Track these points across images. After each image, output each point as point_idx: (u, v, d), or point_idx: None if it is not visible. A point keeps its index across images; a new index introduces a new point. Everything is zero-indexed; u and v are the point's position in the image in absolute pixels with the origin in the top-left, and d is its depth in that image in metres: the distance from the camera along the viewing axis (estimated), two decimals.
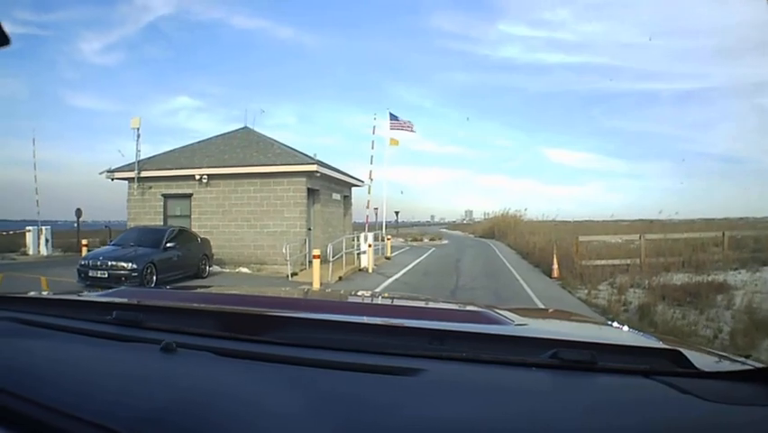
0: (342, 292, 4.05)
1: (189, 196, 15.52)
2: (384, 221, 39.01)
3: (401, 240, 32.71)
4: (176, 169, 15.38)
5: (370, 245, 16.03)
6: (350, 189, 21.89)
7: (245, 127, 18.23)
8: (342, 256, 15.55)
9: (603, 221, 28.31)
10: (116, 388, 0.68)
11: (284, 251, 13.37)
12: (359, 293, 2.94)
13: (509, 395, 0.68)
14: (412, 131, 34.60)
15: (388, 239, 22.63)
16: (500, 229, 35.59)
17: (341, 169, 19.87)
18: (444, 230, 58.65)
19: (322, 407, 0.62)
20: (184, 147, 17.01)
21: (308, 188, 15.42)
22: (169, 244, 11.78)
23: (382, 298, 1.99)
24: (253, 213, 15.12)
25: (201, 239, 13.50)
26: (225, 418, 0.59)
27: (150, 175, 15.56)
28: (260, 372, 0.74)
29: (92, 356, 0.83)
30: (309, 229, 15.35)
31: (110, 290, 1.48)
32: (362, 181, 22.93)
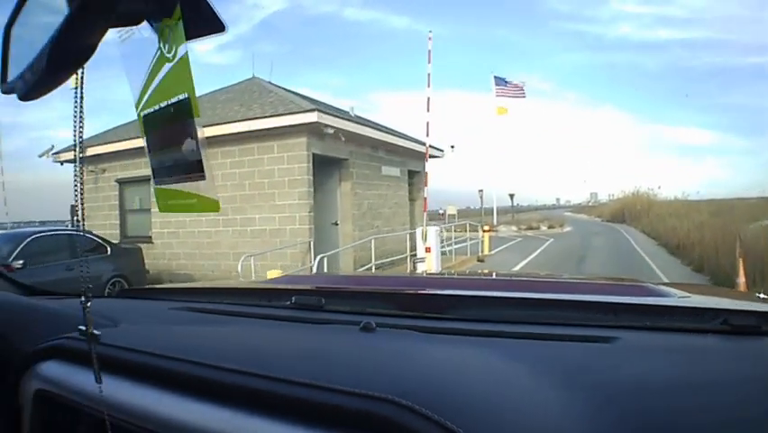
0: (503, 272, 4.58)
1: (148, 179, 10.20)
2: (495, 206, 32.82)
3: (514, 229, 25.38)
4: (128, 140, 10.12)
5: (428, 249, 9.45)
6: (422, 163, 15.36)
7: (252, 78, 12.53)
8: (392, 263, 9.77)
9: (736, 198, 22.20)
10: (322, 366, 0.60)
11: (239, 269, 7.33)
12: (520, 273, 3.61)
13: (692, 359, 0.68)
14: (523, 95, 27.38)
15: (485, 230, 15.81)
16: (631, 211, 30.25)
17: (399, 131, 13.40)
18: (568, 214, 51.12)
19: (555, 376, 0.59)
20: None
21: (314, 155, 9.22)
22: (17, 263, 6.42)
23: (546, 277, 2.06)
24: (232, 200, 9.32)
25: (115, 249, 8.01)
26: (471, 389, 0.54)
27: (98, 153, 10.51)
28: (471, 346, 0.72)
29: (283, 337, 0.80)
30: (310, 227, 9.11)
31: (271, 279, 1.86)
32: (441, 150, 16.25)
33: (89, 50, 0.42)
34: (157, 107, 0.58)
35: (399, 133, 13.29)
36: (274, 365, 0.56)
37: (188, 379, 0.57)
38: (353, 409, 0.47)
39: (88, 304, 0.54)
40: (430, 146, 16.41)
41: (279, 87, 11.78)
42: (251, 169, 9.31)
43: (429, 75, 10.57)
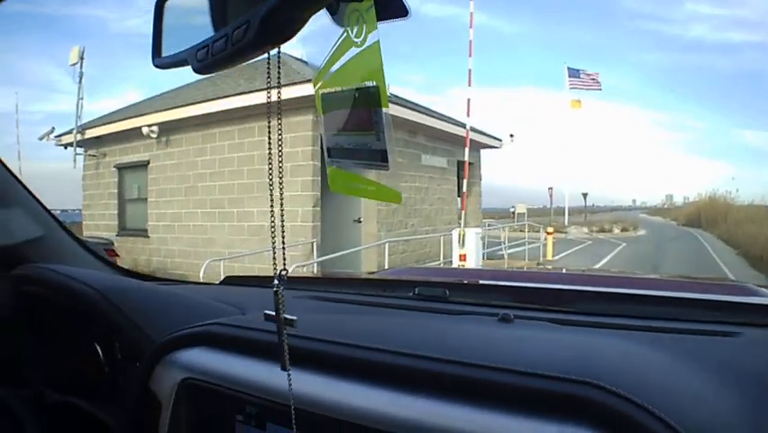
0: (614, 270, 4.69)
1: (146, 165, 8.95)
2: (567, 206, 30.17)
3: (585, 231, 22.72)
4: (126, 119, 8.90)
5: (463, 257, 7.54)
6: (477, 153, 13.32)
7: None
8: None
9: None
10: (493, 353, 0.57)
11: (201, 274, 5.77)
12: (629, 272, 3.42)
13: None
14: (598, 87, 25.19)
15: (548, 233, 13.65)
16: (708, 216, 28.57)
17: (446, 115, 11.45)
18: (643, 216, 48.32)
19: (707, 368, 0.58)
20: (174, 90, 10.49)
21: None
22: None
23: (650, 276, 2.10)
24: (228, 190, 7.83)
25: None
26: (646, 377, 0.54)
27: (97, 135, 9.40)
28: (619, 338, 0.70)
29: (432, 326, 0.79)
30: (315, 225, 7.40)
31: (383, 271, 1.98)
32: (499, 140, 14.11)
33: (300, 25, 0.41)
34: (338, 89, 0.58)
35: (444, 116, 11.31)
36: (446, 352, 0.54)
37: (370, 365, 0.56)
38: (555, 392, 0.47)
39: (281, 288, 0.51)
40: (486, 134, 14.39)
41: (300, 59, 10.19)
42: (251, 153, 7.74)
43: (471, 42, 8.59)
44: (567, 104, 24.29)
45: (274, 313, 0.52)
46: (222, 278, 1.42)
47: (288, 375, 0.51)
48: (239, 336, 0.65)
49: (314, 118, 7.23)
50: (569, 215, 28.22)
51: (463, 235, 7.76)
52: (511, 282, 1.23)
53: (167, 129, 8.44)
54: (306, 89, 6.90)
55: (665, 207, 77.86)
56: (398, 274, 1.47)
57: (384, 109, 0.52)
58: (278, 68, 0.47)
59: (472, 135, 12.67)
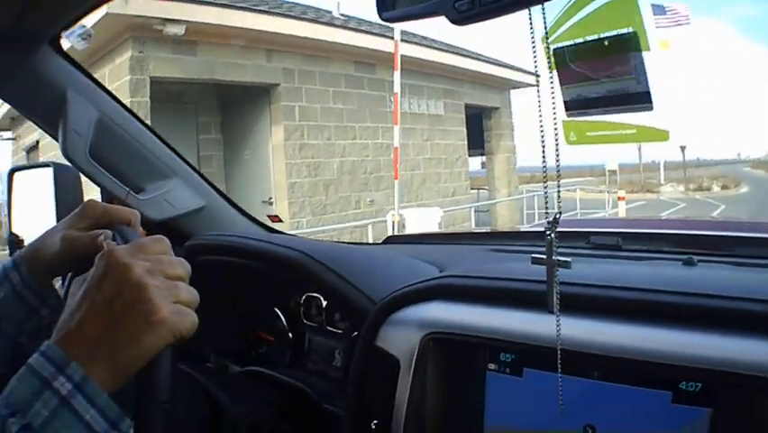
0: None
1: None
2: (662, 161, 25.19)
3: (680, 190, 18.74)
4: None
5: None
6: (503, 95, 10.17)
7: None
8: None
9: None
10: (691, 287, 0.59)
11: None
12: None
13: None
14: (687, 21, 20.20)
15: (620, 198, 10.29)
16: None
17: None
18: (747, 169, 42.18)
19: None
20: None
21: (176, 83, 5.05)
22: None
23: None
24: None
25: None
26: None
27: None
28: None
29: (626, 270, 0.79)
30: None
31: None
32: (537, 76, 10.68)
33: None
34: (579, 41, 0.60)
35: (437, 42, 8.30)
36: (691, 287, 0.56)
37: (636, 304, 0.57)
38: None
39: (554, 234, 0.50)
40: (515, 68, 10.99)
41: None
42: None
43: None
44: (655, 44, 20.32)
45: (544, 256, 0.51)
46: None
47: (557, 319, 0.51)
48: (479, 286, 0.67)
49: (135, 56, 4.75)
50: (665, 170, 24.01)
51: (400, 223, 5.01)
52: (684, 231, 1.27)
53: None
54: (115, 9, 4.49)
55: None
56: (565, 226, 1.37)
57: (645, 52, 0.57)
58: (544, 20, 0.47)
59: (492, 70, 9.53)
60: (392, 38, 7.08)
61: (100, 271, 0.43)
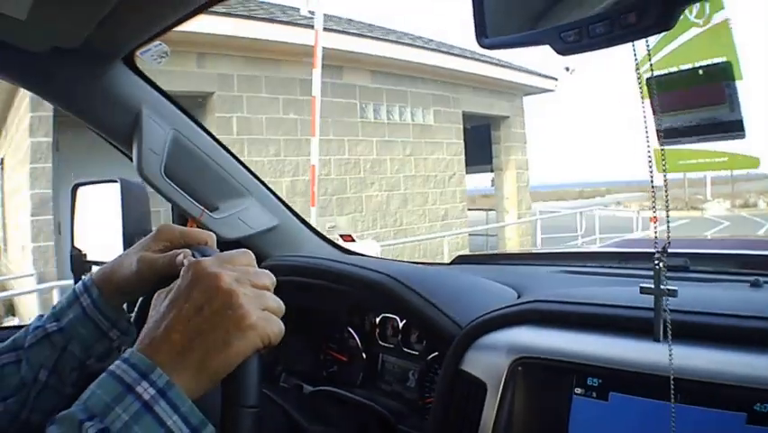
0: None
1: None
2: (708, 176, 22.86)
3: (726, 206, 17.46)
4: None
5: None
6: (514, 102, 9.03)
7: None
8: None
9: None
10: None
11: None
12: None
13: None
14: None
15: (652, 220, 8.91)
16: None
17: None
18: None
19: None
20: None
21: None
22: None
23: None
24: None
25: None
26: None
27: None
28: None
29: (701, 293, 0.78)
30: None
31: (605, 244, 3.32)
32: (554, 79, 9.56)
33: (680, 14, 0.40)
34: (672, 69, 0.62)
35: (425, 41, 7.26)
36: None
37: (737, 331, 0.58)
38: None
39: (662, 264, 0.51)
40: (528, 71, 9.71)
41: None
42: None
43: None
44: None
45: (652, 285, 0.52)
46: None
47: (670, 348, 0.52)
48: (567, 311, 0.67)
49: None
50: (712, 185, 22.21)
51: None
52: (750, 251, 1.25)
53: None
54: None
55: None
56: (630, 246, 1.54)
57: (738, 81, 0.58)
58: (648, 49, 0.46)
59: (499, 74, 8.37)
60: (365, 36, 6.07)
61: (187, 281, 0.43)
